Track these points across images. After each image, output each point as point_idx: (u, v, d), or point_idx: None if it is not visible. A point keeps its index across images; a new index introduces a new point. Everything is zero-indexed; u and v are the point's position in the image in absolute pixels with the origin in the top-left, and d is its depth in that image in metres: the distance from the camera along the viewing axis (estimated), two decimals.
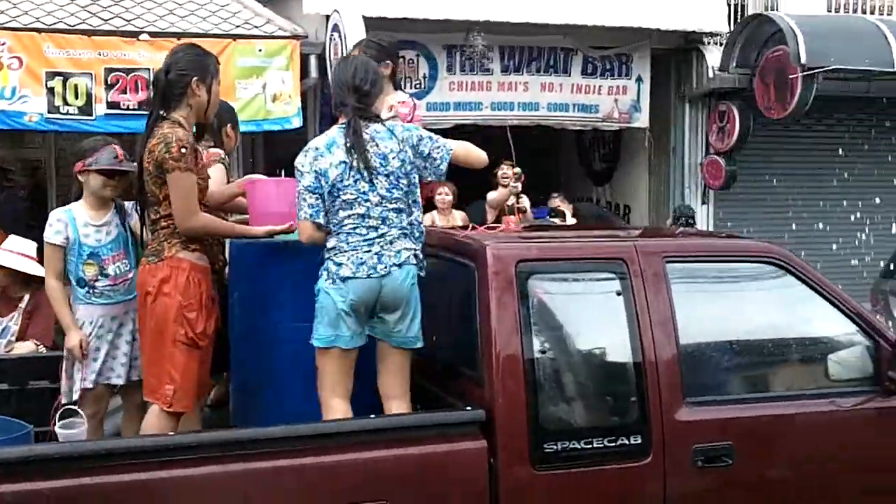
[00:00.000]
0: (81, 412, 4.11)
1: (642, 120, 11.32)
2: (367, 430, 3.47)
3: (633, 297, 3.68)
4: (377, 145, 3.78)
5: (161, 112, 3.95)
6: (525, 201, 8.23)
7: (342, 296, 3.68)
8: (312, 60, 9.43)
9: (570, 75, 10.98)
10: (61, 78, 8.38)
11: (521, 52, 10.79)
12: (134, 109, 8.45)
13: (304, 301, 3.77)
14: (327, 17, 9.26)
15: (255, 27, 9.23)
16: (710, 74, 11.08)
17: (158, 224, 3.93)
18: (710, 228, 11.32)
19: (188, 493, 3.19)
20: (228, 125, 4.85)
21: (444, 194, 8.44)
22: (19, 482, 3.02)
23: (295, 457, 3.29)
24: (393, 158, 3.78)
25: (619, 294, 3.70)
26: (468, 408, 3.53)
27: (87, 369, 4.22)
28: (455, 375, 3.85)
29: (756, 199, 11.75)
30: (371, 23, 8.76)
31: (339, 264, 3.71)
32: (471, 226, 4.43)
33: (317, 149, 3.81)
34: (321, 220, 3.77)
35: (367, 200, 3.73)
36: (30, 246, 5.58)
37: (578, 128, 11.53)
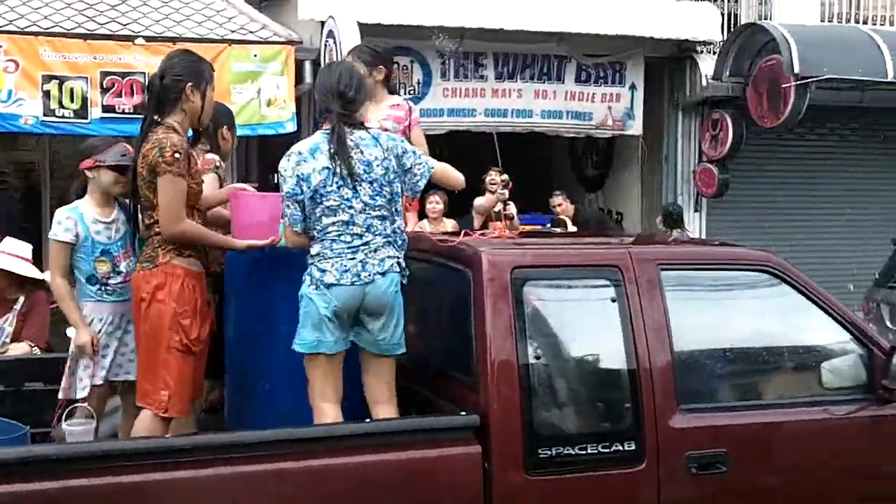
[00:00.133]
0: (91, 409, 4.10)
1: (636, 127, 11.36)
2: (361, 435, 3.47)
3: (627, 304, 3.70)
4: (361, 152, 3.78)
5: (155, 117, 3.96)
6: (512, 208, 8.26)
7: (326, 302, 3.69)
8: (307, 66, 9.45)
9: (563, 82, 11.01)
10: (57, 81, 8.37)
11: (516, 59, 10.81)
12: (129, 113, 8.45)
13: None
14: (322, 22, 9.28)
15: (251, 32, 9.25)
16: (704, 83, 11.11)
17: (152, 229, 3.93)
18: (703, 236, 11.35)
19: (177, 495, 3.19)
20: (224, 127, 4.82)
21: (436, 203, 8.46)
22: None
23: (287, 461, 3.29)
24: (377, 166, 3.78)
25: (613, 301, 3.72)
26: (462, 413, 3.53)
27: (97, 366, 4.21)
28: (449, 380, 3.85)
29: (748, 208, 11.79)
30: (366, 29, 8.79)
31: (323, 270, 3.72)
32: (463, 231, 4.42)
33: (300, 153, 3.81)
34: (298, 229, 3.79)
35: (350, 207, 3.73)
36: (25, 248, 5.59)
37: (572, 135, 11.56)
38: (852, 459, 3.92)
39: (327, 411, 3.72)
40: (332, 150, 3.75)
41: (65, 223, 4.25)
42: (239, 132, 6.92)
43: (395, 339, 3.82)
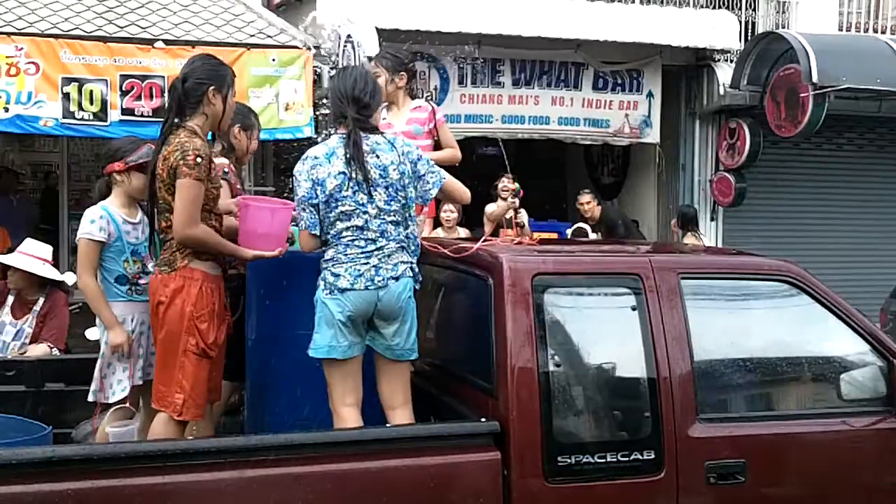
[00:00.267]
0: (133, 409, 4.11)
1: (653, 135, 11.35)
2: (380, 440, 3.48)
3: (647, 313, 3.70)
4: (377, 157, 3.80)
5: (176, 119, 3.96)
6: (523, 215, 8.30)
7: (340, 307, 3.71)
8: (325, 71, 9.46)
9: (581, 90, 11.01)
10: (77, 83, 8.40)
11: (533, 66, 10.82)
12: (148, 116, 8.47)
13: None
14: (340, 27, 9.30)
15: (269, 37, 9.27)
16: (721, 91, 11.10)
17: (168, 233, 3.93)
18: (719, 245, 11.32)
19: (201, 498, 3.20)
20: (236, 127, 4.74)
21: (450, 211, 8.48)
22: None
23: (308, 464, 3.30)
24: (393, 170, 3.80)
25: (633, 309, 3.71)
26: (482, 419, 3.54)
27: (134, 366, 4.23)
28: (469, 386, 3.85)
29: (765, 217, 11.75)
30: (383, 34, 8.81)
31: (337, 275, 3.73)
32: (483, 238, 4.43)
33: (315, 157, 3.82)
34: (316, 232, 3.81)
35: (365, 212, 3.75)
36: (45, 249, 5.63)
37: (589, 142, 11.55)
38: (871, 472, 3.91)
39: (347, 416, 3.73)
40: (347, 155, 3.76)
41: (98, 222, 4.26)
42: None
43: (408, 343, 3.83)
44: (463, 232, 8.64)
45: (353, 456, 3.37)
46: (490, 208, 8.89)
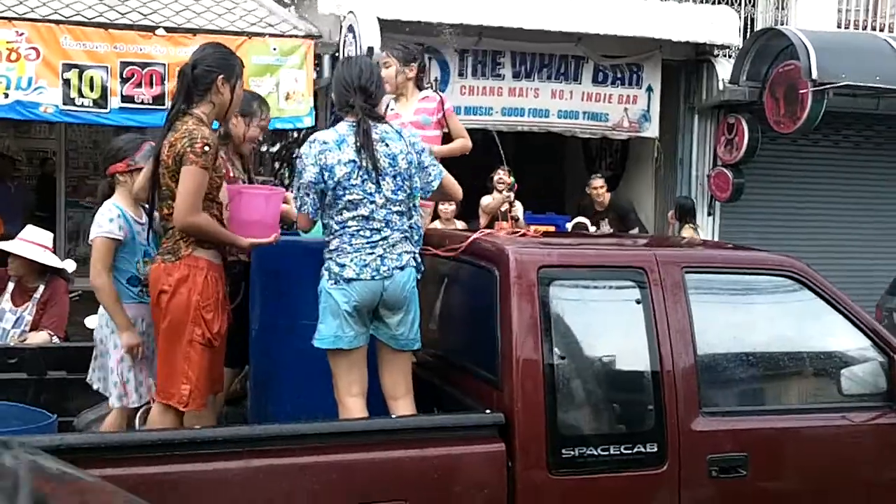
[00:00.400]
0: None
1: (652, 130, 11.34)
2: (385, 431, 3.50)
3: (652, 306, 3.71)
4: (387, 145, 3.81)
5: (183, 106, 3.92)
6: (518, 208, 8.33)
7: (345, 297, 3.71)
8: (326, 60, 9.46)
9: (580, 83, 10.99)
10: (77, 70, 8.38)
11: (533, 59, 10.81)
12: (148, 104, 8.47)
13: None
14: (342, 17, 9.30)
15: (270, 25, 9.25)
16: (720, 87, 11.09)
17: (170, 221, 3.87)
18: (716, 240, 11.33)
19: (205, 487, 3.20)
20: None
21: (448, 204, 8.49)
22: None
23: (313, 454, 3.31)
24: (402, 159, 3.81)
25: (638, 302, 3.73)
26: (487, 411, 3.55)
27: (150, 367, 4.17)
28: (473, 378, 3.86)
29: (762, 213, 11.76)
30: (385, 25, 8.81)
31: (342, 265, 3.73)
32: (485, 230, 4.44)
33: (325, 142, 3.80)
34: (316, 217, 3.83)
35: (372, 202, 3.75)
36: (46, 236, 5.61)
37: (588, 135, 11.55)
38: (871, 466, 3.93)
39: (352, 406, 3.74)
40: (358, 144, 3.76)
41: (117, 221, 4.21)
42: None
43: (412, 333, 3.85)
44: (460, 224, 8.69)
45: (357, 447, 3.37)
46: (486, 200, 8.92)
